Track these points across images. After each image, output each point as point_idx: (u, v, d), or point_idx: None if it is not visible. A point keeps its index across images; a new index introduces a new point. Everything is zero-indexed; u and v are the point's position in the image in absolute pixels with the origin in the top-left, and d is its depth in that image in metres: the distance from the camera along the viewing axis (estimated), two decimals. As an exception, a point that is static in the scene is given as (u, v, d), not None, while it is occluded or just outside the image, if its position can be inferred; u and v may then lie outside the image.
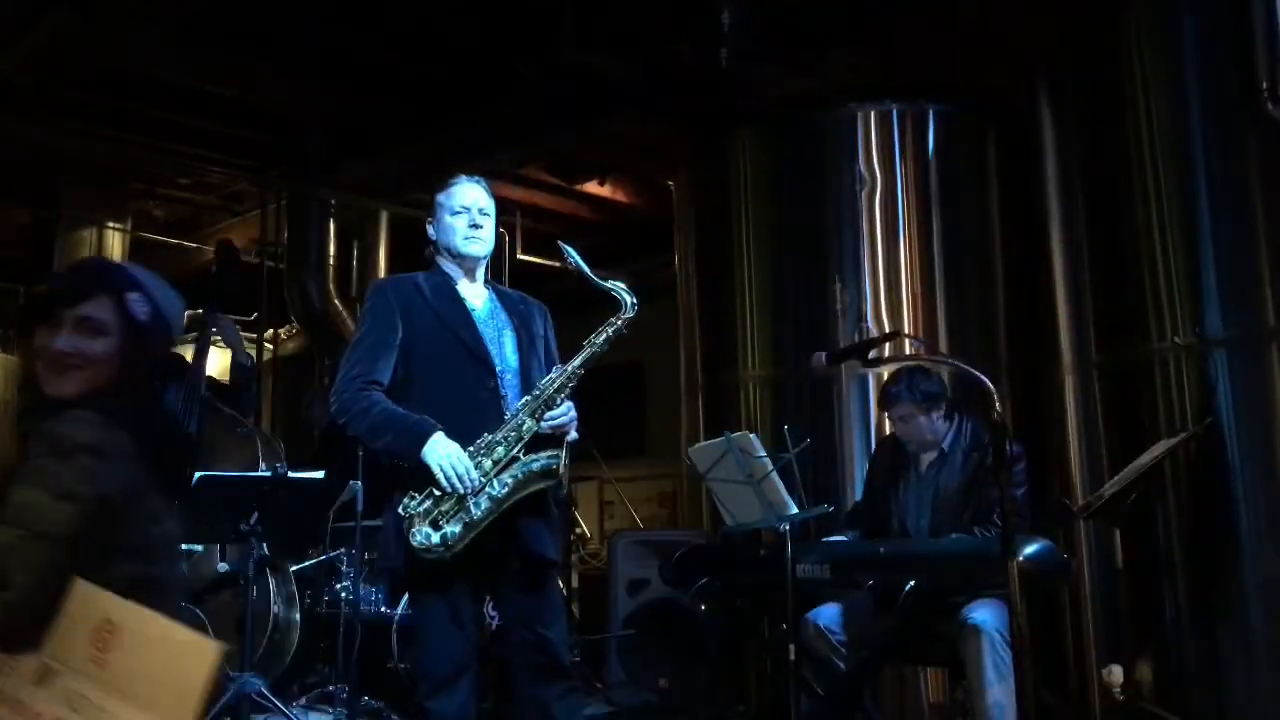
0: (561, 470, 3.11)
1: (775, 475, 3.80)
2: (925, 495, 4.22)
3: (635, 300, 3.24)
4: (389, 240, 9.47)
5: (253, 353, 6.92)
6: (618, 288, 3.24)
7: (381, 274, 9.47)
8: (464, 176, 3.39)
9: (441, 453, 3.01)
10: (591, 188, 8.29)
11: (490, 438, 3.08)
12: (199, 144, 7.56)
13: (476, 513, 3.01)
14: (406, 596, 5.17)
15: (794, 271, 5.69)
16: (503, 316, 3.34)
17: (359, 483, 4.83)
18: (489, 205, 3.35)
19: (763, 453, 3.83)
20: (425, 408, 3.12)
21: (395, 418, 3.09)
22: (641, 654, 5.41)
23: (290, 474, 3.97)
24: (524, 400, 3.15)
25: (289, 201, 8.23)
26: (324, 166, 7.84)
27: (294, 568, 4.94)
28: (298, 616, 4.61)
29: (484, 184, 3.39)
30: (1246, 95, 4.33)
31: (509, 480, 3.05)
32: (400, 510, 3.04)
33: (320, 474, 4.13)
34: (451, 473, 2.99)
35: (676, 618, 5.15)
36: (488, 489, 3.03)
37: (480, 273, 3.37)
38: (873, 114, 5.64)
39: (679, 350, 6.36)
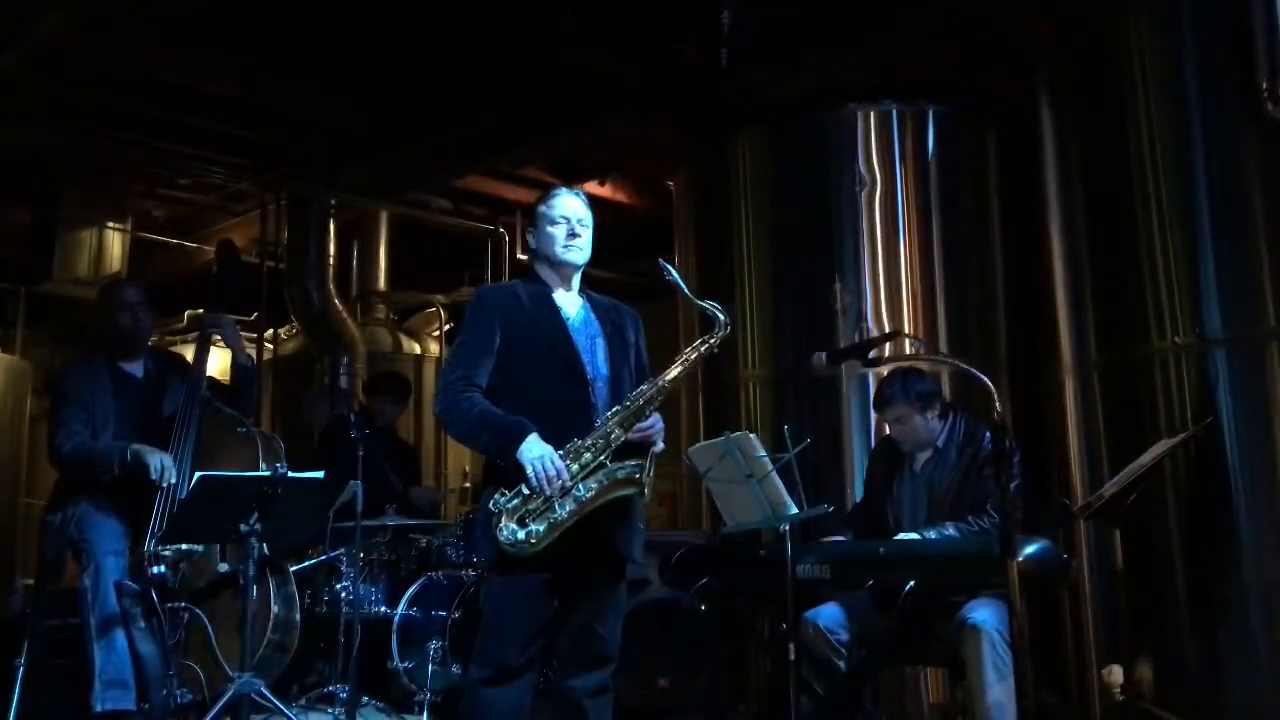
0: (645, 480, 3.21)
1: (775, 475, 3.80)
2: (921, 494, 4.24)
3: (728, 319, 3.39)
4: (389, 240, 9.49)
5: (252, 352, 6.90)
6: (713, 307, 3.39)
7: (382, 274, 9.51)
8: (564, 189, 3.54)
9: (536, 453, 3.11)
10: (592, 188, 8.28)
11: (579, 443, 3.18)
12: (199, 144, 7.56)
13: (561, 513, 3.11)
14: (407, 595, 5.21)
15: (794, 271, 5.70)
16: (596, 324, 3.46)
17: (359, 482, 4.82)
18: (587, 216, 3.48)
19: (762, 453, 3.83)
20: (520, 411, 3.22)
21: (494, 418, 3.22)
22: (641, 654, 5.40)
23: (290, 474, 3.96)
24: (614, 410, 3.26)
25: (289, 201, 8.23)
26: (324, 166, 7.84)
27: (294, 568, 4.93)
28: (298, 617, 4.60)
29: (583, 196, 3.53)
30: (1246, 95, 4.33)
31: (594, 485, 3.15)
32: (490, 506, 3.15)
33: (320, 474, 4.12)
34: (543, 473, 3.09)
35: (676, 618, 5.14)
36: (574, 492, 3.13)
37: (576, 281, 3.49)
38: (873, 114, 5.65)
39: (678, 350, 6.33)
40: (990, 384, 3.14)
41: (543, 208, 3.47)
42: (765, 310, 5.74)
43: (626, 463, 3.20)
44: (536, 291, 3.44)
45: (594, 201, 8.87)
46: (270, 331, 9.03)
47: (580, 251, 3.44)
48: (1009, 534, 3.08)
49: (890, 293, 5.54)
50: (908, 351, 5.29)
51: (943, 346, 5.51)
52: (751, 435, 3.90)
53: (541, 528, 3.10)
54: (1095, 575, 4.79)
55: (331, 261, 8.47)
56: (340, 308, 8.58)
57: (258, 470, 4.41)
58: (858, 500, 4.76)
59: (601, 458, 3.17)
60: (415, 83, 6.65)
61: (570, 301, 3.46)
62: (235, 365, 4.85)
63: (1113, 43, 4.80)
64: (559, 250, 3.41)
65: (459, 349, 3.40)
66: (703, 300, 3.42)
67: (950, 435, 4.24)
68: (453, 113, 6.83)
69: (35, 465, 8.75)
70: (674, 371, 3.33)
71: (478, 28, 5.99)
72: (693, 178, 6.43)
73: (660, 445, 3.34)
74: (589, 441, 3.18)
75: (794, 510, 3.81)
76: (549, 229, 3.42)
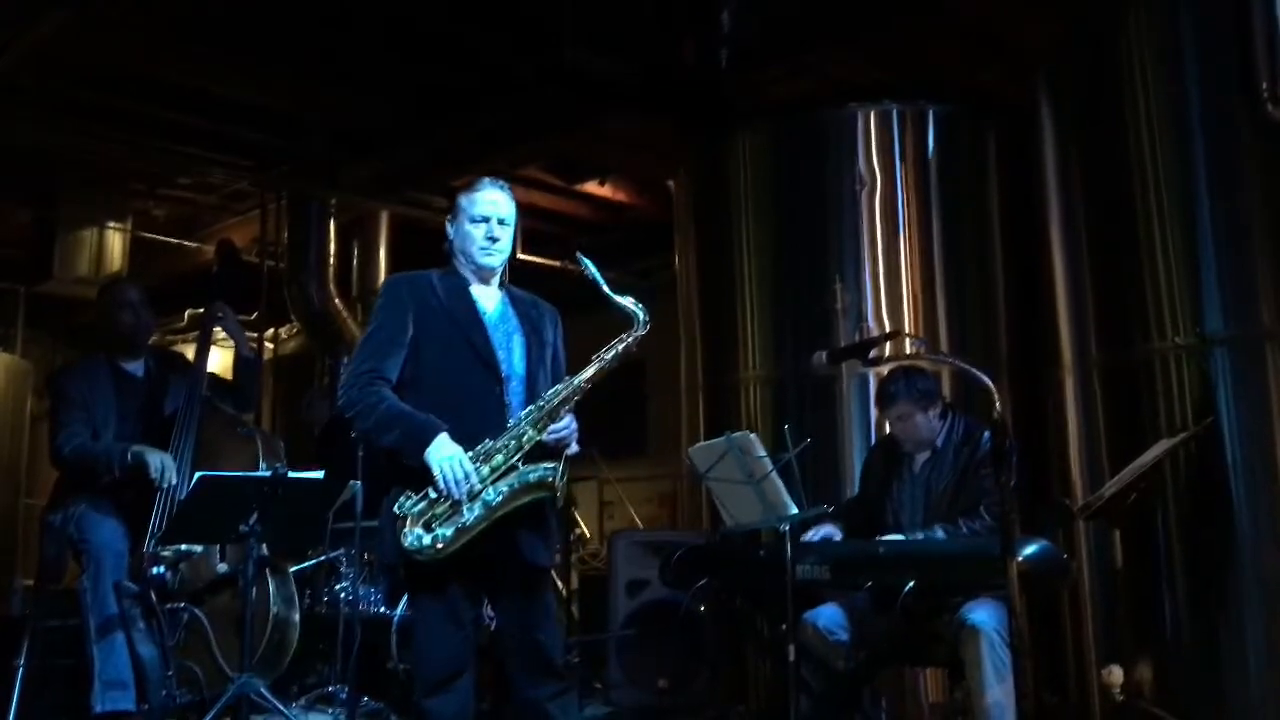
0: (558, 483, 3.12)
1: (775, 475, 3.80)
2: (919, 494, 4.24)
3: (647, 318, 3.24)
4: (389, 240, 9.49)
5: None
6: (630, 304, 3.25)
7: (382, 274, 9.48)
8: (488, 181, 3.37)
9: (444, 454, 3.02)
10: (591, 188, 8.28)
11: (491, 445, 3.10)
12: (199, 144, 7.55)
13: (469, 517, 3.03)
14: (407, 596, 5.20)
15: (794, 271, 5.70)
16: (514, 321, 3.34)
17: (359, 483, 4.82)
18: (509, 214, 3.34)
19: (763, 452, 3.83)
20: (431, 408, 3.13)
21: (403, 415, 3.11)
22: (641, 654, 5.41)
23: (290, 474, 3.96)
24: (528, 410, 3.16)
25: (289, 201, 8.23)
26: (324, 166, 7.84)
27: (293, 568, 4.93)
28: (297, 617, 4.60)
29: (507, 190, 3.37)
30: (1246, 95, 4.33)
31: (504, 489, 3.07)
32: (395, 509, 3.06)
33: (320, 474, 4.12)
34: (451, 475, 3.01)
35: (676, 618, 5.14)
36: (483, 495, 3.04)
37: (495, 277, 3.38)
38: (872, 114, 5.65)
39: (679, 350, 6.35)
40: (990, 384, 3.14)
41: (464, 200, 3.32)
42: (765, 310, 5.75)
43: (539, 466, 3.10)
44: (453, 284, 3.31)
45: (595, 201, 8.90)
46: (271, 331, 9.03)
47: (498, 255, 3.31)
48: (1009, 534, 3.07)
49: (890, 292, 5.54)
50: (908, 351, 5.29)
51: (943, 346, 5.51)
52: (752, 435, 3.90)
53: (449, 532, 3.01)
54: (1095, 575, 4.79)
55: (332, 261, 8.49)
56: (340, 307, 8.59)
57: (258, 470, 4.42)
58: (851, 496, 4.75)
59: (513, 460, 3.08)
60: (415, 83, 6.65)
61: (488, 296, 3.34)
62: (237, 356, 4.86)
63: (1113, 43, 4.80)
64: (475, 251, 3.29)
65: (367, 340, 3.26)
66: (621, 297, 3.25)
67: (949, 435, 4.24)
68: (452, 113, 6.82)
69: (35, 465, 8.75)
70: (589, 372, 3.19)
71: (478, 28, 5.99)
72: (693, 178, 6.43)
73: (575, 448, 3.22)
74: (501, 443, 3.09)
75: (794, 510, 3.81)
76: (468, 227, 3.29)
